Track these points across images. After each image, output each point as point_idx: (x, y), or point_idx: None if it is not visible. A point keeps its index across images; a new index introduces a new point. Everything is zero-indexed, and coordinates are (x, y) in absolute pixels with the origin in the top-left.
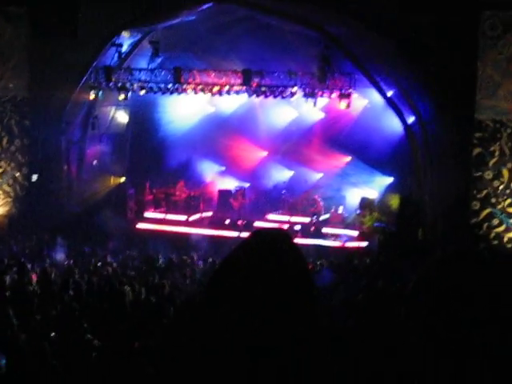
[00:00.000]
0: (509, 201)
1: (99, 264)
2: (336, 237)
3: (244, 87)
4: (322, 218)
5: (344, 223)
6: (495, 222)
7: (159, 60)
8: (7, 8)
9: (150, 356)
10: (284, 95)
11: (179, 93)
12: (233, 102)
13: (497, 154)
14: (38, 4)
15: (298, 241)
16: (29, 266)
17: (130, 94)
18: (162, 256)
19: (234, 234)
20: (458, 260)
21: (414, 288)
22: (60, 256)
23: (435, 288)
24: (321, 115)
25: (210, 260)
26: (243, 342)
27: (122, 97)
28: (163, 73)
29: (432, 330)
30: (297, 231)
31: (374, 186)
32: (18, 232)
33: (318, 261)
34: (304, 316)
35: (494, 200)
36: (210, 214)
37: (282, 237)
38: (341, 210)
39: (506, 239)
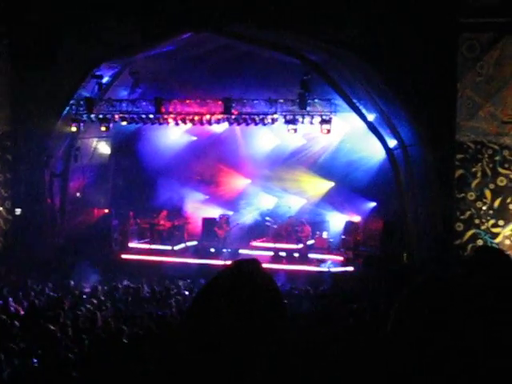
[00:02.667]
0: (492, 221)
1: (84, 296)
2: (321, 262)
3: (225, 116)
4: (307, 243)
5: (329, 248)
6: (479, 242)
7: (140, 90)
8: None
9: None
10: (265, 122)
11: (160, 123)
12: (214, 131)
13: (479, 175)
14: (19, 37)
15: (284, 267)
16: (12, 299)
17: (111, 125)
18: (147, 286)
19: (219, 262)
20: (436, 286)
21: (395, 312)
22: (45, 289)
23: (415, 313)
24: (302, 141)
25: (196, 289)
26: (224, 356)
27: (103, 128)
28: (144, 103)
29: (414, 353)
30: (282, 257)
31: (358, 211)
32: (2, 266)
33: (304, 287)
34: (275, 328)
35: (477, 221)
36: (194, 242)
37: (254, 264)
38: (325, 235)
39: None
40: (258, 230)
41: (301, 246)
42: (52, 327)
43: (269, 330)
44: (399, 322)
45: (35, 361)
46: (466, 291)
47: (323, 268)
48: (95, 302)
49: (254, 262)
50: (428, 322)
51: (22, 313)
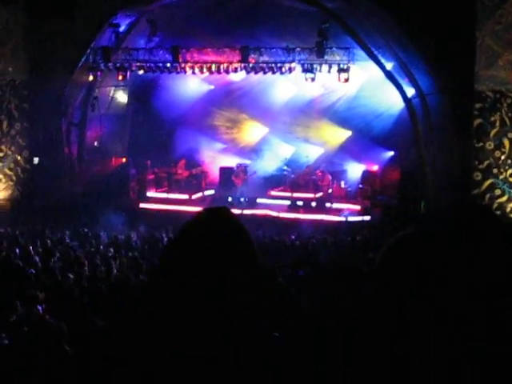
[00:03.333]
0: (510, 171)
1: (101, 246)
2: (339, 211)
3: (242, 64)
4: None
5: (346, 197)
6: (497, 192)
7: (157, 39)
8: None
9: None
10: (282, 71)
11: (178, 72)
12: (232, 80)
13: (497, 124)
14: None
15: (301, 216)
16: (31, 247)
17: (128, 74)
18: (165, 235)
19: (236, 211)
20: (418, 239)
21: (379, 264)
22: (62, 237)
23: (396, 265)
24: (320, 90)
25: None
26: (200, 300)
27: (120, 77)
28: (161, 52)
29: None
30: (299, 207)
31: (376, 160)
32: (21, 215)
33: (322, 236)
34: (248, 271)
35: (495, 170)
36: (212, 192)
37: (224, 211)
38: (343, 184)
39: (508, 209)
40: (275, 179)
41: (320, 194)
42: (69, 275)
43: (240, 277)
44: (381, 276)
45: (40, 308)
46: (450, 249)
47: (340, 217)
48: (112, 250)
49: (223, 209)
50: (407, 278)
51: (38, 261)
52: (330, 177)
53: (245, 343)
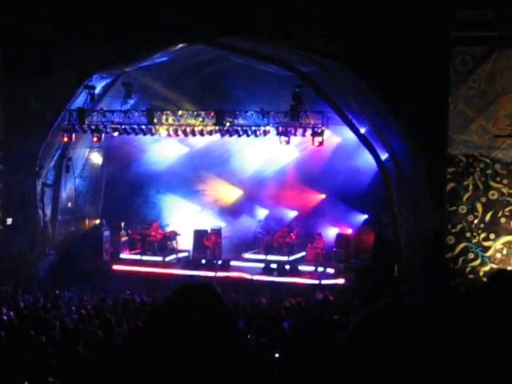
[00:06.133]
0: (483, 235)
1: (73, 307)
2: (312, 275)
3: (217, 127)
4: (298, 255)
5: (320, 260)
6: (471, 256)
7: (132, 101)
8: None
9: None
10: (257, 134)
11: (152, 134)
12: (207, 142)
13: (470, 188)
14: (12, 46)
15: (275, 279)
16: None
17: (103, 135)
18: (137, 297)
19: (210, 273)
20: (385, 315)
21: (347, 339)
22: (35, 299)
23: (363, 340)
24: (295, 153)
25: None
26: None
27: (95, 139)
28: (136, 114)
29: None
30: (273, 270)
31: (349, 223)
32: None
33: (294, 299)
34: (229, 356)
35: (468, 234)
36: (186, 254)
37: (205, 288)
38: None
39: (481, 273)
40: (249, 241)
41: (297, 256)
42: (40, 338)
43: (219, 358)
44: (349, 353)
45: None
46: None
47: (314, 280)
48: (83, 312)
49: (204, 286)
50: (375, 356)
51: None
52: (325, 241)
53: None
